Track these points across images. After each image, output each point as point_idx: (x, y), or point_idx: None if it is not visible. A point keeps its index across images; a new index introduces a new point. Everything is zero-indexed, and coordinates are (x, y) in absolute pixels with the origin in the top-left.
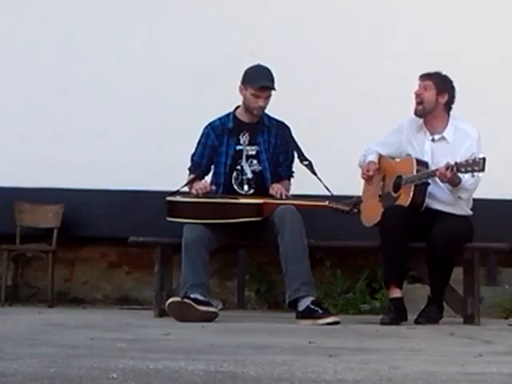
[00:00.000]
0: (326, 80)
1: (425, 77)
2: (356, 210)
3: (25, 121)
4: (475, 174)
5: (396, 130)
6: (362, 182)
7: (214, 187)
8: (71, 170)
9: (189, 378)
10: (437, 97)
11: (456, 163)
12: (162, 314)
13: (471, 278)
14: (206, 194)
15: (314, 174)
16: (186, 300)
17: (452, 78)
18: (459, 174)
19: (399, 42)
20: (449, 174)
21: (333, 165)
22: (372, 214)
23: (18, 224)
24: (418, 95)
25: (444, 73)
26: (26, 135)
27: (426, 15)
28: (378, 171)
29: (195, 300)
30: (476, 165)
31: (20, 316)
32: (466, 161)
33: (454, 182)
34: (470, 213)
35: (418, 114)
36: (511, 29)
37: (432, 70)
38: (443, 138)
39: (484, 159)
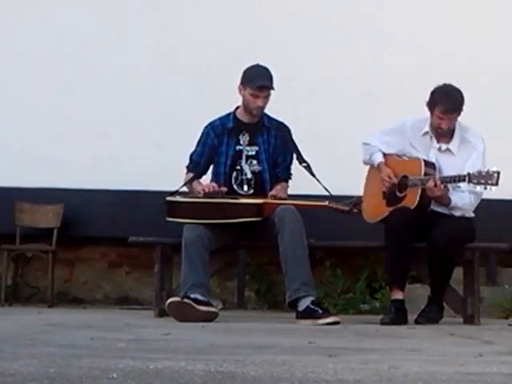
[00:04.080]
0: (325, 80)
1: (452, 112)
2: (356, 210)
3: (25, 121)
4: (488, 187)
5: (398, 131)
6: (364, 179)
7: (224, 189)
8: (71, 169)
9: (189, 377)
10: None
11: (469, 174)
12: (162, 314)
13: (471, 278)
14: (215, 194)
15: (313, 175)
16: (185, 300)
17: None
18: (450, 195)
19: (399, 42)
20: (437, 191)
21: (332, 165)
22: (375, 211)
23: (18, 224)
24: (447, 129)
25: (459, 90)
26: (26, 135)
27: (426, 15)
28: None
29: (195, 300)
30: (490, 178)
31: (20, 316)
32: (479, 173)
33: (442, 201)
34: (472, 215)
35: (441, 134)
36: (510, 29)
37: (448, 87)
38: (448, 150)
39: (498, 173)
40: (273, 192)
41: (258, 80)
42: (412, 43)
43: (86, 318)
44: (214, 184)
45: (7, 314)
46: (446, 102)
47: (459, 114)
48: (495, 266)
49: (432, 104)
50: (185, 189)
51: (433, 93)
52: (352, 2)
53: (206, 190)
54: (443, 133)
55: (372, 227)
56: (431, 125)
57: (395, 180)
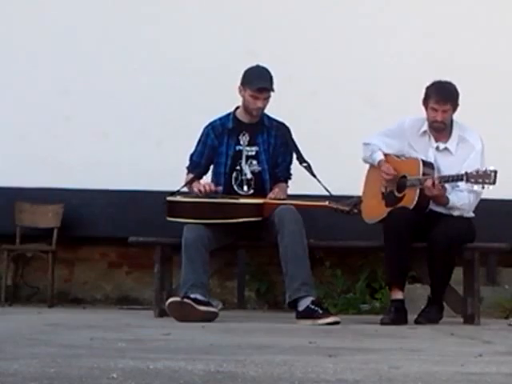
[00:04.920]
0: (326, 80)
1: (444, 101)
2: (356, 210)
3: (25, 121)
4: (485, 186)
5: (397, 132)
6: (363, 179)
7: (220, 188)
8: (71, 169)
9: (189, 377)
10: (452, 114)
11: (466, 173)
12: (162, 313)
13: (471, 278)
14: (212, 194)
15: (313, 175)
16: (185, 300)
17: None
18: (449, 195)
19: (399, 43)
20: (435, 191)
21: (333, 165)
22: (374, 211)
23: (18, 224)
24: (441, 122)
25: (452, 83)
26: (26, 135)
27: (426, 15)
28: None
29: (195, 300)
30: (487, 177)
31: (20, 316)
32: (477, 172)
33: (440, 201)
34: (472, 215)
35: (437, 131)
36: (510, 29)
37: (441, 80)
38: (446, 149)
39: (495, 172)
40: (271, 195)
41: (257, 81)
42: (413, 44)
43: (86, 318)
44: (210, 184)
45: (7, 314)
46: (438, 93)
47: (454, 108)
48: (495, 266)
49: (426, 98)
50: (185, 189)
51: (427, 88)
52: (352, 2)
53: (202, 190)
54: (439, 127)
55: (372, 227)
56: (428, 121)
57: (394, 172)
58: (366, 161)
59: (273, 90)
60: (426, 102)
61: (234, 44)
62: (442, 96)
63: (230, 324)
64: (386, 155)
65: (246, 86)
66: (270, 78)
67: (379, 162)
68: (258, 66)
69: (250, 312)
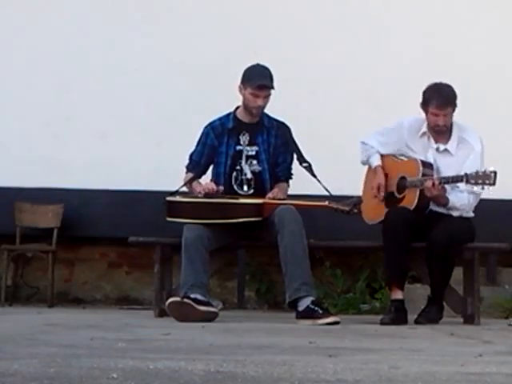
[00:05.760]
0: (326, 80)
1: (445, 106)
2: (356, 210)
3: (25, 121)
4: (485, 187)
5: (395, 131)
6: (363, 179)
7: (221, 187)
8: (71, 170)
9: (189, 377)
10: (452, 115)
11: (466, 174)
12: (162, 314)
13: (471, 278)
14: (215, 194)
15: (314, 175)
16: (185, 300)
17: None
18: (449, 195)
19: (399, 43)
20: (435, 191)
21: (333, 165)
22: (374, 212)
23: (18, 224)
24: (443, 125)
25: (450, 85)
26: (26, 135)
27: (426, 16)
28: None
29: (195, 300)
30: (487, 178)
31: (20, 316)
32: (477, 173)
33: (440, 201)
34: (472, 215)
35: (438, 133)
36: (510, 29)
37: (437, 83)
38: (446, 150)
39: (495, 173)
40: (270, 195)
41: (258, 79)
42: (413, 44)
43: (86, 318)
44: (213, 184)
45: (7, 314)
46: (439, 98)
47: (453, 109)
48: (495, 266)
49: (425, 103)
50: (185, 189)
51: (424, 92)
52: (353, 2)
53: (206, 191)
54: (440, 130)
55: (372, 227)
56: (428, 125)
57: (382, 195)
58: (363, 163)
59: (273, 88)
60: (425, 106)
61: (234, 44)
62: (443, 101)
63: (230, 324)
64: (383, 156)
65: (246, 83)
66: (270, 76)
67: (375, 167)
68: (258, 65)
69: (250, 312)
